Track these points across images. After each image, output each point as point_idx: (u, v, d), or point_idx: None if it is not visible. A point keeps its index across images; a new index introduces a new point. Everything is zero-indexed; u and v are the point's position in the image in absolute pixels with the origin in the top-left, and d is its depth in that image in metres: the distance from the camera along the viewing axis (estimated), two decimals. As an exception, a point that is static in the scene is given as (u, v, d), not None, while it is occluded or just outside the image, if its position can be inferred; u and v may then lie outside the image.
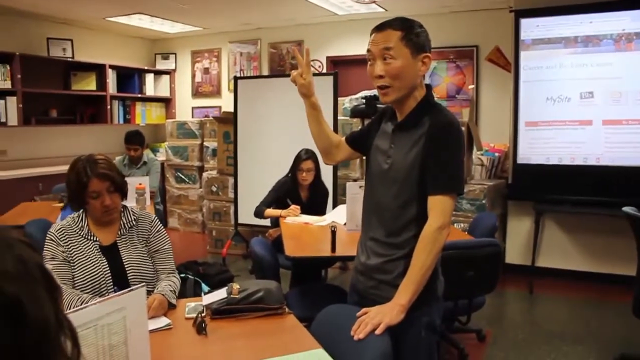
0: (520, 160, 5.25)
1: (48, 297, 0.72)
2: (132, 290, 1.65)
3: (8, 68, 5.95)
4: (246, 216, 5.67)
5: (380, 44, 1.90)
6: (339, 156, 2.29)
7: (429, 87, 2.01)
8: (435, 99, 2.07)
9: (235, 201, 6.03)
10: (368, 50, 1.94)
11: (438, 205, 1.87)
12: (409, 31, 1.88)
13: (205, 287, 2.86)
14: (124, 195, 2.37)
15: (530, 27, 5.16)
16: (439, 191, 1.88)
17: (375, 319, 1.79)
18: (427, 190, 1.90)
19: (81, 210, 2.35)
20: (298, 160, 4.28)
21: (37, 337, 0.68)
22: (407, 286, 1.85)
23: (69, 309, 1.91)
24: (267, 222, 4.65)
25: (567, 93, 5.04)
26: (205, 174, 6.67)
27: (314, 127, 2.23)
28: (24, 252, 0.73)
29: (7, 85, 5.95)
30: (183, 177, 7.20)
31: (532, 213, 5.24)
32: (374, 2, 5.70)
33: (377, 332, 1.76)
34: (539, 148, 5.18)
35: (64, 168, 6.06)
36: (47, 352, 0.69)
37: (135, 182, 4.26)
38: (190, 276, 2.83)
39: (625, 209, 3.32)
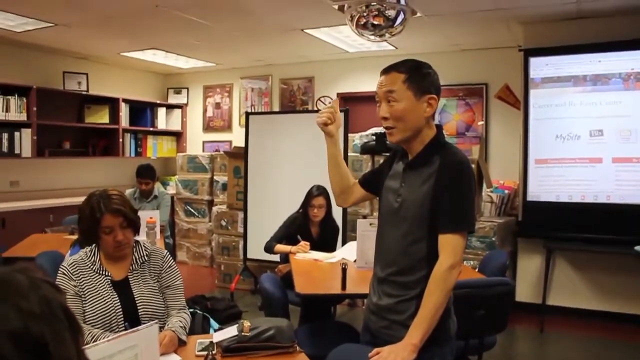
0: (530, 198, 5.24)
1: (71, 337, 0.73)
2: (144, 327, 1.65)
3: (24, 101, 6.06)
4: (255, 251, 5.67)
5: (384, 87, 1.96)
6: (352, 198, 2.31)
7: (439, 127, 2.04)
8: (446, 137, 2.09)
9: (244, 236, 6.03)
10: (376, 93, 2.00)
11: (449, 244, 1.88)
12: (414, 73, 1.93)
13: (214, 323, 2.86)
14: (136, 230, 2.38)
15: (540, 66, 5.21)
16: (449, 230, 1.88)
17: (388, 359, 1.78)
18: (437, 229, 1.90)
19: (94, 245, 2.37)
20: (310, 196, 4.29)
21: None
22: (419, 325, 1.84)
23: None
24: (276, 258, 4.64)
25: (576, 131, 5.06)
26: (214, 208, 6.69)
27: (334, 168, 2.23)
28: (49, 293, 0.74)
29: (23, 117, 6.05)
30: (193, 210, 7.22)
31: (542, 251, 5.21)
32: (385, 40, 5.79)
33: None
34: (549, 185, 5.17)
35: (76, 200, 6.12)
36: None
37: (146, 215, 4.28)
38: (198, 311, 2.82)
39: (638, 248, 3.30)
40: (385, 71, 1.99)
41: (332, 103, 2.17)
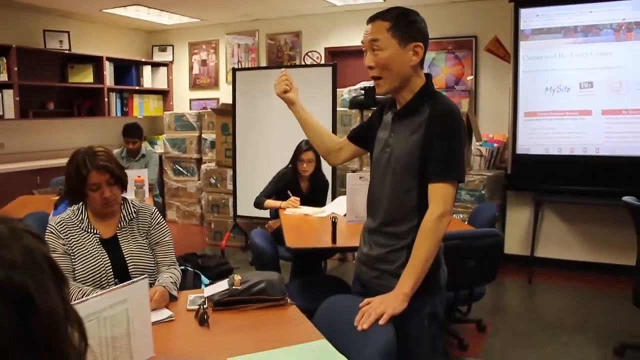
0: (519, 151, 5.25)
1: (55, 287, 0.72)
2: (134, 282, 1.64)
3: (4, 61, 5.91)
4: (245, 208, 5.67)
5: (369, 36, 1.93)
6: (343, 156, 2.29)
7: (429, 76, 2.00)
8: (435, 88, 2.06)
9: (234, 193, 6.02)
10: (362, 42, 1.97)
11: (439, 193, 1.87)
12: (399, 21, 1.89)
13: (205, 279, 2.86)
14: (123, 187, 2.35)
15: (530, 17, 5.14)
16: (439, 179, 1.87)
17: (379, 308, 1.79)
18: (427, 178, 1.89)
19: (81, 203, 2.34)
20: (299, 151, 4.26)
21: (46, 327, 0.68)
22: (409, 274, 1.84)
23: (71, 301, 1.90)
24: (266, 214, 4.65)
25: (566, 83, 5.03)
26: (203, 166, 6.66)
27: (310, 131, 2.26)
28: (31, 243, 0.72)
29: (4, 78, 5.91)
30: (181, 169, 7.19)
31: (531, 203, 5.25)
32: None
33: (381, 322, 1.76)
34: (538, 138, 5.17)
35: (62, 161, 6.03)
36: (56, 342, 0.69)
37: (134, 174, 4.25)
38: (189, 268, 2.82)
39: (625, 198, 3.33)
40: (371, 19, 1.95)
41: (283, 71, 2.20)
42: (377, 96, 5.30)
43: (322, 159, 4.27)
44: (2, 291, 0.65)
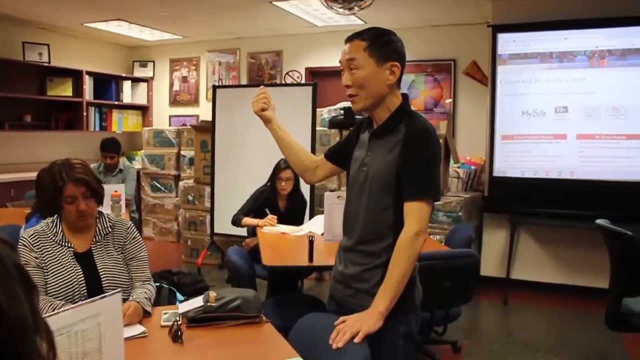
0: (496, 173, 5.31)
1: (25, 296, 0.71)
2: (107, 295, 1.62)
3: (-18, 72, 5.86)
4: (222, 226, 5.64)
5: (346, 55, 1.96)
6: (319, 174, 2.29)
7: (405, 96, 2.03)
8: (412, 108, 2.08)
9: (211, 210, 5.98)
10: (339, 61, 2.00)
11: (414, 212, 1.87)
12: (375, 40, 1.93)
13: (180, 297, 2.83)
14: (99, 201, 2.33)
15: (507, 42, 5.24)
16: (415, 197, 1.88)
17: (354, 327, 1.78)
18: (403, 197, 1.90)
19: (55, 216, 2.31)
20: (277, 169, 4.26)
21: (14, 335, 0.66)
22: (385, 293, 1.84)
23: (42, 313, 1.86)
24: (243, 232, 4.63)
25: (542, 107, 5.12)
26: (181, 183, 6.62)
27: (286, 149, 2.25)
28: (1, 250, 0.71)
29: (-19, 89, 5.85)
30: (159, 185, 7.13)
31: (507, 225, 5.30)
32: (354, 14, 5.74)
33: (356, 340, 1.75)
34: (515, 161, 5.24)
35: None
36: (24, 350, 0.67)
37: (111, 189, 4.21)
38: (164, 285, 2.79)
39: (599, 221, 3.37)
40: (348, 39, 1.98)
41: (262, 89, 2.20)
42: (356, 117, 5.35)
43: (299, 177, 4.31)
44: None
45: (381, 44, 1.92)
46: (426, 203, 1.88)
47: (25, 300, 0.71)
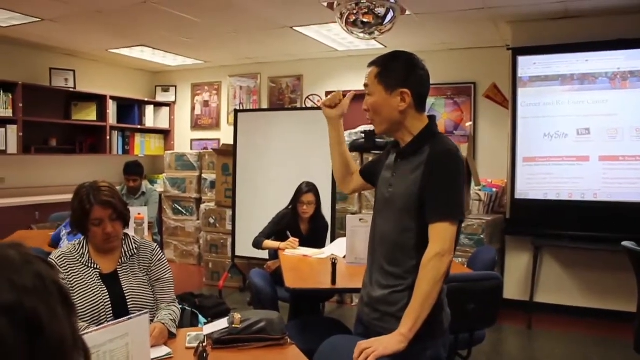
0: (518, 196, 5.27)
1: (65, 314, 0.72)
2: (135, 316, 1.64)
3: (10, 97, 5.99)
4: (243, 249, 5.65)
5: (365, 80, 2.03)
6: (352, 185, 2.35)
7: (432, 118, 2.04)
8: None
9: (232, 233, 6.01)
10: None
11: (437, 233, 1.87)
12: (385, 67, 1.98)
13: (202, 319, 2.84)
14: (126, 223, 2.36)
15: (528, 65, 5.24)
16: (438, 218, 1.87)
17: (371, 348, 1.77)
18: (426, 218, 1.90)
19: (82, 237, 2.35)
20: (299, 192, 4.27)
21: (54, 352, 0.68)
22: (408, 315, 1.83)
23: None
24: (264, 255, 4.63)
25: (564, 129, 5.10)
26: (203, 206, 6.67)
27: (335, 151, 2.29)
28: (41, 269, 0.73)
29: (9, 113, 5.98)
30: (180, 208, 7.18)
31: (530, 248, 5.24)
32: (374, 39, 5.80)
33: (361, 358, 1.74)
34: (537, 183, 5.20)
35: (62, 197, 6.04)
36: None
37: (134, 212, 4.25)
38: (187, 308, 2.80)
39: (625, 243, 3.33)
40: (368, 65, 2.05)
41: (336, 92, 2.24)
42: (377, 140, 5.36)
43: (322, 200, 4.32)
44: (12, 315, 0.65)
45: (390, 70, 1.96)
46: (450, 224, 1.87)
47: (66, 318, 0.72)
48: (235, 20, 5.34)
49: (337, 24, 4.78)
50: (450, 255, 1.87)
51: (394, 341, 1.79)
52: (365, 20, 4.53)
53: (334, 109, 2.22)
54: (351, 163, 2.33)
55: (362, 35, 4.73)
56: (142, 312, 1.68)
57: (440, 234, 1.86)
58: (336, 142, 2.28)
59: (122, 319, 1.64)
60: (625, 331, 4.36)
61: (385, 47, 6.26)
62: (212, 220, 6.48)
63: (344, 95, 2.23)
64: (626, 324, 4.44)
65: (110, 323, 1.65)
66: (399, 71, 1.96)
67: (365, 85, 2.01)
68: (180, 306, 2.63)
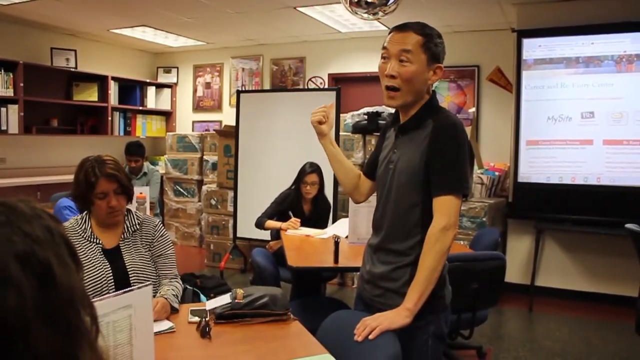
0: (520, 179, 5.26)
1: (74, 267, 0.72)
2: (138, 287, 1.63)
3: (11, 76, 5.95)
4: (245, 230, 5.65)
5: (399, 44, 1.90)
6: (364, 189, 2.23)
7: (433, 92, 2.01)
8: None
9: (234, 215, 6.01)
10: (384, 47, 1.94)
11: (442, 206, 1.85)
12: (430, 39, 1.90)
13: (204, 298, 2.84)
14: (129, 198, 2.35)
15: (532, 47, 5.20)
16: (443, 191, 1.85)
17: (375, 322, 1.77)
18: (431, 192, 1.88)
19: (85, 212, 2.34)
20: (303, 173, 4.26)
21: (65, 302, 0.68)
22: (413, 289, 1.83)
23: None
24: (266, 236, 4.63)
25: (568, 113, 5.07)
26: (204, 188, 6.66)
27: (336, 165, 2.17)
28: (50, 222, 0.73)
29: (10, 93, 5.94)
30: (182, 190, 7.17)
31: (532, 232, 5.23)
32: (378, 19, 5.75)
33: (371, 336, 1.74)
34: (540, 167, 5.19)
35: (63, 177, 6.01)
36: (73, 318, 0.68)
37: (136, 191, 4.23)
38: (188, 287, 2.80)
39: (628, 225, 3.32)
40: (401, 28, 1.92)
41: (328, 105, 2.15)
42: (380, 122, 5.33)
43: (325, 180, 4.30)
44: (26, 263, 0.65)
45: (435, 43, 1.91)
46: (454, 197, 1.85)
47: (75, 270, 0.72)
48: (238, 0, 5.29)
49: (341, 4, 4.72)
50: (454, 229, 1.86)
51: (399, 316, 1.79)
52: (369, 0, 4.49)
53: (325, 124, 2.10)
54: (356, 172, 2.23)
55: (366, 15, 4.67)
56: (146, 283, 1.67)
57: (445, 207, 1.84)
58: (336, 156, 2.16)
59: (124, 290, 1.62)
60: (626, 315, 4.38)
61: (389, 28, 6.20)
62: (213, 202, 6.47)
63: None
64: (627, 308, 4.46)
65: (114, 294, 1.64)
66: (441, 46, 1.93)
67: (406, 51, 1.87)
68: (183, 286, 2.63)
